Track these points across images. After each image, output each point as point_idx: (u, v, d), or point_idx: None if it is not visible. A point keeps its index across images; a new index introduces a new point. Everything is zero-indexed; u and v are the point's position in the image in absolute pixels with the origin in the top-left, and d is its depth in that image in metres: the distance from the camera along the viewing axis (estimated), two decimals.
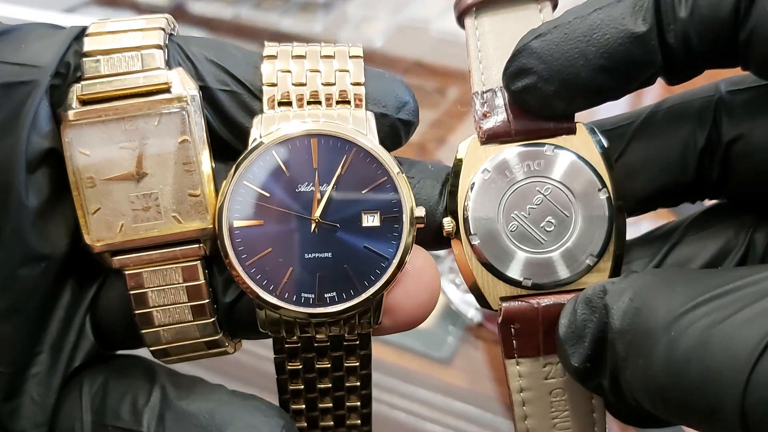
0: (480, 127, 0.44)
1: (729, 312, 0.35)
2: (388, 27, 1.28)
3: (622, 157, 0.46)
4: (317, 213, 0.41)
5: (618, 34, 0.40)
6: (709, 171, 0.45)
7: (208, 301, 0.43)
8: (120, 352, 0.47)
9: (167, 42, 0.43)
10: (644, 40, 0.40)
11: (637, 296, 0.38)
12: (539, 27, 0.42)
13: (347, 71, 0.44)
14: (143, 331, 0.43)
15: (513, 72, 0.43)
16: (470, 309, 0.93)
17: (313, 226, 0.42)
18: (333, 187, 0.42)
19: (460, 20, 0.47)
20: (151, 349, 0.44)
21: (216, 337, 0.44)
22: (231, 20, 1.51)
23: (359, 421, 0.48)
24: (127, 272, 0.42)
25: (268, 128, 0.42)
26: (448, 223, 0.44)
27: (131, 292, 0.43)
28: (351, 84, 0.43)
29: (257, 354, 0.84)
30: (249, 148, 0.42)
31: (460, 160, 0.44)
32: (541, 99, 0.42)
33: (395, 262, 0.42)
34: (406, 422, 0.82)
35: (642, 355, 0.36)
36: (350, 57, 0.44)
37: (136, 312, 0.43)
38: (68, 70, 0.41)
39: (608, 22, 0.41)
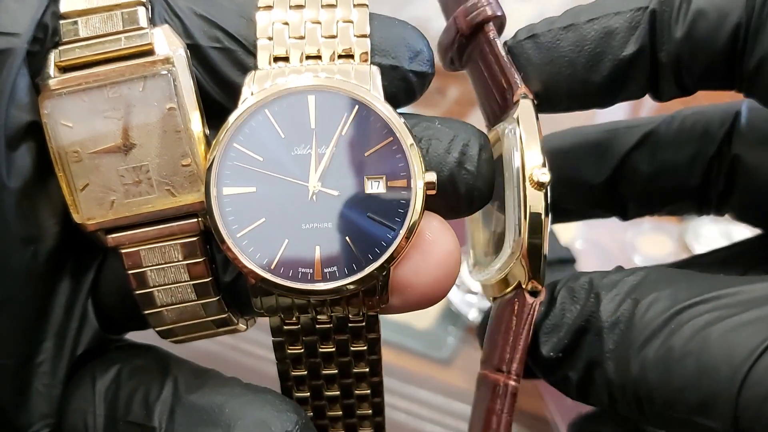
0: None
1: (733, 312, 0.35)
2: None
3: (630, 156, 0.46)
4: (315, 179, 0.38)
5: (608, 50, 0.40)
6: (715, 179, 0.44)
7: (210, 279, 0.40)
8: (132, 339, 0.45)
9: None
10: (633, 62, 0.40)
11: (636, 288, 0.38)
12: (536, 25, 0.42)
13: (351, 22, 0.40)
14: (146, 312, 0.41)
15: None
16: (470, 309, 0.91)
17: (311, 193, 0.38)
18: (333, 150, 0.38)
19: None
20: (157, 329, 0.42)
21: (223, 316, 0.41)
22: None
23: (370, 411, 0.44)
24: (123, 251, 0.40)
25: (262, 85, 0.38)
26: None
27: (129, 272, 0.40)
28: (355, 36, 0.40)
29: (257, 355, 0.83)
30: (239, 106, 0.38)
31: None
32: None
33: (402, 232, 0.38)
34: (405, 423, 0.80)
35: (635, 348, 0.36)
36: (355, 5, 0.40)
37: (136, 292, 0.40)
38: (46, 34, 0.38)
39: (601, 36, 0.40)
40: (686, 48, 0.39)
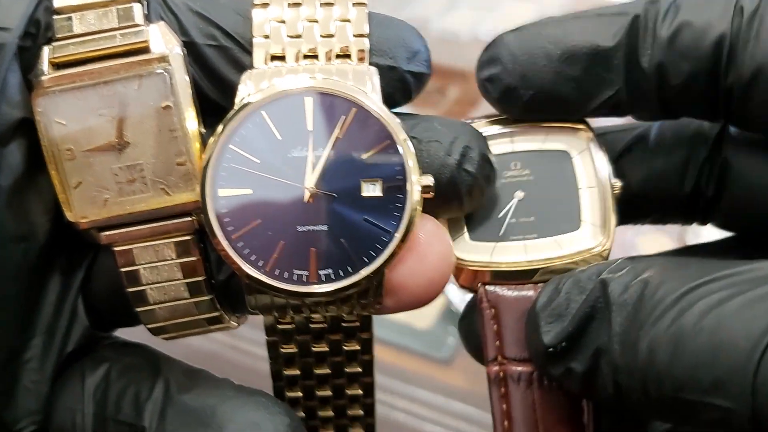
0: None
1: (747, 288, 0.33)
2: None
3: (622, 158, 0.45)
4: (312, 181, 0.38)
5: (584, 43, 0.41)
6: (705, 185, 0.44)
7: (204, 278, 0.40)
8: (121, 337, 0.44)
9: None
10: (609, 56, 0.41)
11: (644, 271, 0.37)
12: (521, 25, 0.42)
13: (349, 21, 0.40)
14: (138, 310, 0.40)
15: (484, 60, 0.42)
16: None
17: (307, 195, 0.38)
18: (329, 152, 0.38)
19: None
20: (149, 327, 0.42)
21: (216, 314, 0.41)
22: None
23: (362, 412, 0.44)
24: (116, 249, 0.40)
25: (258, 85, 0.38)
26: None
27: (122, 270, 0.40)
28: (353, 36, 0.39)
29: (254, 354, 0.83)
30: (236, 107, 0.38)
31: None
32: (501, 91, 0.42)
33: (398, 236, 0.38)
34: (405, 423, 0.81)
35: (644, 327, 0.35)
36: (353, 4, 0.40)
37: (129, 290, 0.40)
38: (38, 30, 0.38)
39: (579, 31, 0.41)
40: (669, 53, 0.39)
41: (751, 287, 0.33)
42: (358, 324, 0.41)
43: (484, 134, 0.42)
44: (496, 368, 0.42)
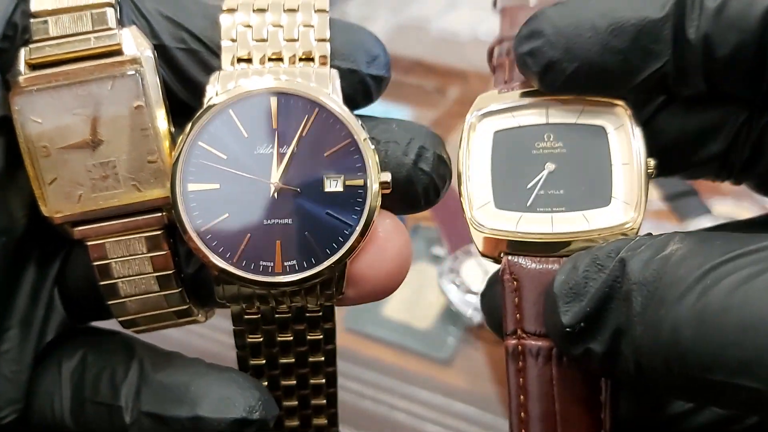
0: None
1: None
2: (388, 27, 1.27)
3: (659, 112, 0.44)
4: (277, 177, 0.39)
5: (632, 14, 0.39)
6: (742, 146, 0.43)
7: (173, 271, 0.42)
8: (96, 325, 0.46)
9: None
10: (657, 27, 0.39)
11: (665, 247, 0.35)
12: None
13: (312, 26, 0.42)
14: (109, 303, 0.42)
15: (525, 34, 0.41)
16: (470, 309, 0.91)
17: (273, 190, 0.40)
18: (293, 150, 0.40)
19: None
20: (120, 320, 0.43)
21: (185, 307, 0.43)
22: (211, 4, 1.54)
23: (325, 401, 0.46)
24: (89, 243, 0.41)
25: (225, 86, 0.40)
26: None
27: (95, 263, 0.41)
28: (315, 40, 0.41)
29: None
30: (204, 106, 0.40)
31: None
32: (543, 64, 0.41)
33: (359, 229, 0.40)
34: (406, 423, 0.81)
35: (666, 306, 0.33)
36: (315, 11, 0.42)
37: (101, 283, 0.41)
38: (16, 32, 0.40)
39: (627, 3, 0.40)
40: (716, 24, 0.38)
41: None
42: (321, 314, 0.42)
43: (517, 105, 0.43)
44: (514, 341, 0.41)
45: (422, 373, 0.86)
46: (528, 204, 0.43)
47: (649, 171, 0.42)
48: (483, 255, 0.43)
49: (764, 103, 0.42)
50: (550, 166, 0.43)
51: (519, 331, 0.41)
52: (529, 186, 0.43)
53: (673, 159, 0.45)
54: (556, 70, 0.41)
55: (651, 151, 0.42)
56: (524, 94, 0.44)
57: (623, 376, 0.36)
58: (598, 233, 0.41)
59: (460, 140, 0.43)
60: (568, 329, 0.37)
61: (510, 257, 0.42)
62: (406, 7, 1.30)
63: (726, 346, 0.31)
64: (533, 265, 0.42)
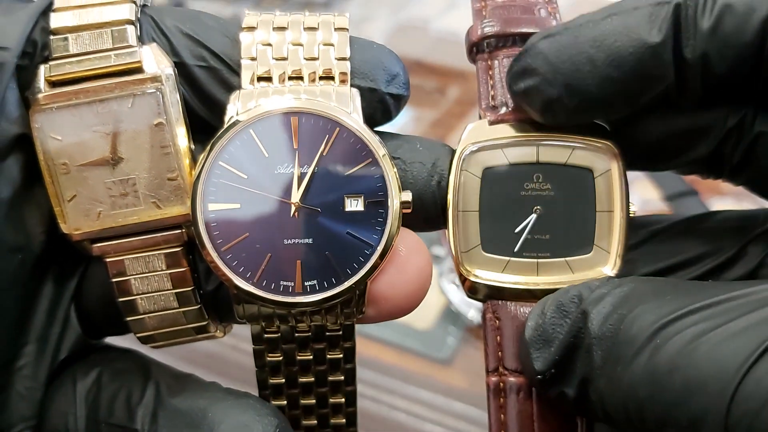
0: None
1: (720, 321, 0.33)
2: (388, 27, 1.27)
3: (648, 112, 0.44)
4: (297, 196, 0.39)
5: (630, 42, 0.39)
6: (731, 152, 0.43)
7: (192, 287, 0.42)
8: (112, 343, 0.46)
9: (139, 15, 0.41)
10: (657, 52, 0.39)
11: (623, 302, 0.37)
12: (549, 28, 0.41)
13: (332, 45, 0.41)
14: (128, 319, 0.42)
15: (517, 72, 0.41)
16: (470, 309, 0.92)
17: (293, 210, 0.39)
18: (314, 169, 0.40)
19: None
20: (138, 335, 0.43)
21: (203, 323, 0.43)
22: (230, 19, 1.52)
23: (344, 421, 0.46)
24: (108, 260, 0.41)
25: (246, 105, 0.40)
26: None
27: (113, 280, 0.41)
28: (335, 59, 0.41)
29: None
30: (225, 126, 0.40)
31: None
32: (543, 103, 0.40)
33: (379, 249, 0.40)
34: (406, 423, 0.82)
35: (622, 364, 0.35)
36: (335, 29, 0.42)
37: (120, 300, 0.41)
38: (35, 49, 0.39)
39: (621, 30, 0.39)
40: (713, 42, 0.38)
41: (727, 320, 0.33)
42: (341, 333, 0.42)
43: (508, 143, 0.43)
44: (495, 378, 0.42)
45: (422, 373, 0.87)
46: (515, 249, 0.43)
47: (630, 215, 0.43)
48: (468, 296, 0.45)
49: (759, 110, 0.42)
50: (538, 210, 0.43)
51: (500, 368, 0.42)
52: (517, 231, 0.44)
53: (658, 158, 0.45)
54: (556, 108, 0.40)
55: (636, 150, 0.43)
56: (515, 126, 0.44)
57: (595, 418, 0.39)
58: (580, 282, 0.42)
59: (449, 174, 0.43)
60: (538, 376, 0.39)
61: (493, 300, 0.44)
62: (406, 7, 1.30)
63: (675, 405, 0.33)
64: (514, 306, 0.43)
